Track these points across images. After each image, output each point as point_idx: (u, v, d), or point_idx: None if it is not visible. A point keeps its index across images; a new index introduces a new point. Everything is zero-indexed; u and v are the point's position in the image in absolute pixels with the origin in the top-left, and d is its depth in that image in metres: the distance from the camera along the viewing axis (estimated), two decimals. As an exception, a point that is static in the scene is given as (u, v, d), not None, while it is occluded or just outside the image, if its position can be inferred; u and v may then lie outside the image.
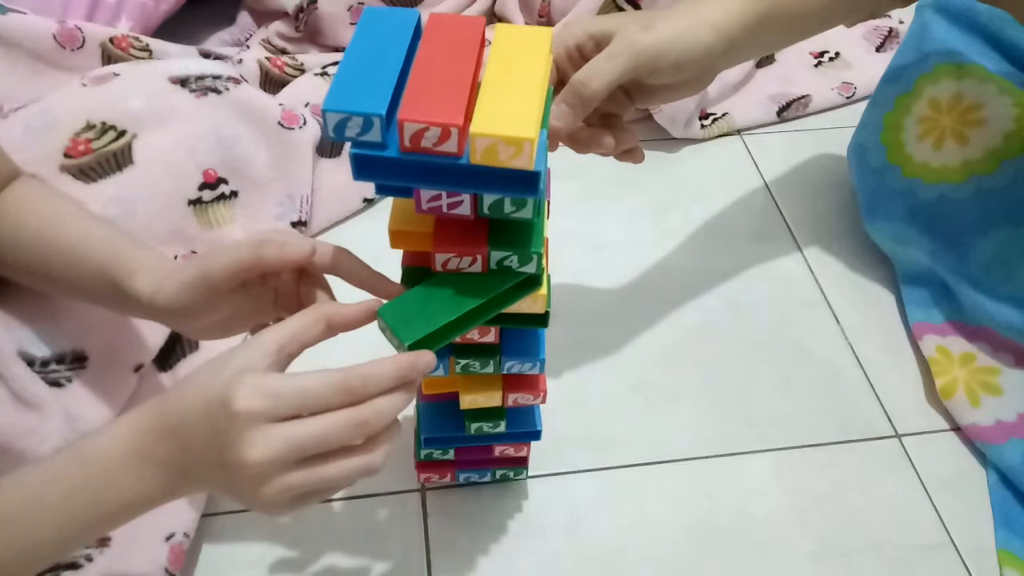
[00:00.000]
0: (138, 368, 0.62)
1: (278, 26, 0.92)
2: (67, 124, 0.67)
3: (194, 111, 0.70)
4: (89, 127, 0.67)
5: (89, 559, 0.53)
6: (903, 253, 0.74)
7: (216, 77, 0.73)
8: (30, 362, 0.58)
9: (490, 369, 0.48)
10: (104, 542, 0.54)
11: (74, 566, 0.53)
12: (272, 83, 0.86)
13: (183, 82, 0.72)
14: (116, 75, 0.72)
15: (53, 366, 0.59)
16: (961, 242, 0.70)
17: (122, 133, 0.67)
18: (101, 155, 0.66)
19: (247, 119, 0.73)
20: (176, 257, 0.68)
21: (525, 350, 0.48)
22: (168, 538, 0.54)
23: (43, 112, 0.67)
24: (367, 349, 0.67)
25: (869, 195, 0.75)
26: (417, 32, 0.41)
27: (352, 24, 0.92)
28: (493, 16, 0.99)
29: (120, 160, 0.67)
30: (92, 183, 0.66)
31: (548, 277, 0.46)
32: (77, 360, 0.60)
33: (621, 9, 0.85)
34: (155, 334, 0.63)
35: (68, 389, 0.59)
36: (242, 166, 0.72)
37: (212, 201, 0.70)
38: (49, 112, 0.67)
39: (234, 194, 0.72)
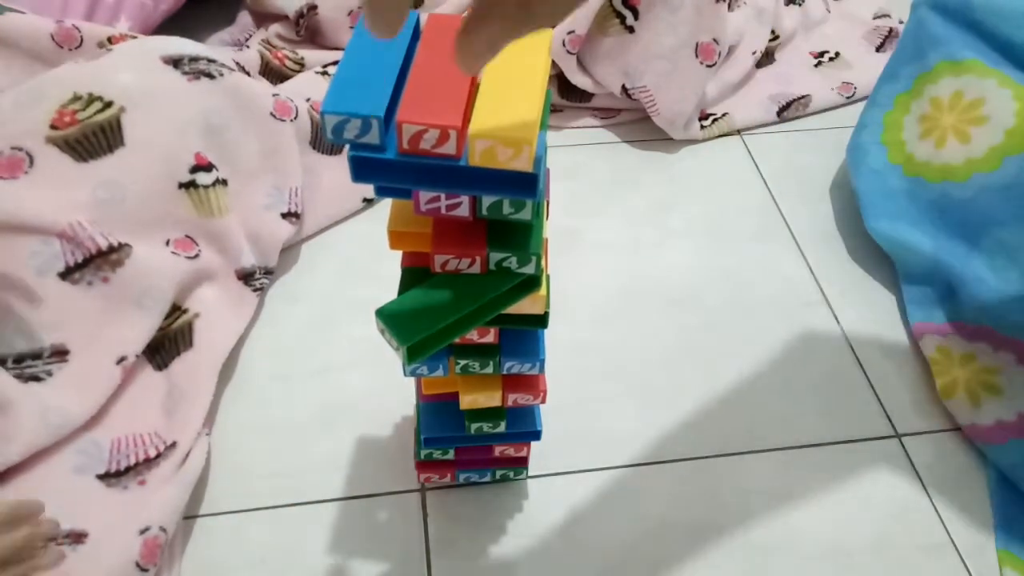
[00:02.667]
0: (121, 360, 0.62)
1: (278, 28, 0.92)
2: (55, 97, 0.66)
3: (185, 94, 0.70)
4: (76, 98, 0.66)
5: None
6: (904, 252, 0.74)
7: (211, 61, 0.72)
8: (1, 361, 0.59)
9: (490, 369, 0.48)
10: (80, 539, 0.54)
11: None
12: (272, 74, 0.86)
13: (176, 63, 0.71)
14: (109, 51, 0.72)
15: (29, 362, 0.59)
16: (964, 240, 0.70)
17: (108, 104, 0.67)
18: (87, 126, 0.66)
19: (239, 107, 0.72)
20: (168, 242, 0.68)
21: (525, 351, 0.48)
22: (143, 531, 0.53)
23: (32, 87, 0.67)
24: (368, 349, 0.68)
25: (870, 195, 0.75)
26: (416, 33, 0.41)
27: (351, 28, 0.92)
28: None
29: (110, 139, 0.66)
30: (83, 163, 0.65)
31: (548, 278, 0.46)
32: (58, 354, 0.60)
33: (620, 14, 0.85)
34: (138, 326, 0.63)
35: (48, 383, 0.59)
36: (231, 154, 0.72)
37: (212, 185, 0.70)
38: (38, 87, 0.67)
39: (224, 182, 0.71)
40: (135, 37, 0.81)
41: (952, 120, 0.69)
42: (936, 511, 0.62)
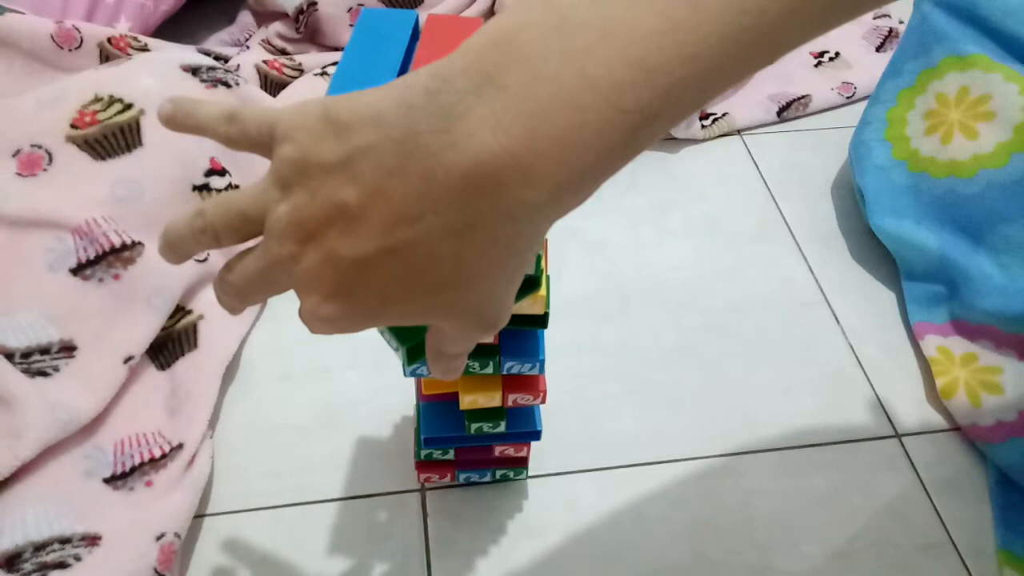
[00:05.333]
0: (128, 359, 0.62)
1: (278, 27, 0.92)
2: (76, 98, 0.68)
3: None
4: (97, 100, 0.68)
5: (78, 559, 0.53)
6: (908, 249, 0.73)
7: (227, 71, 0.73)
8: (9, 355, 0.59)
9: (490, 370, 0.48)
10: (94, 541, 0.54)
11: (63, 565, 0.52)
12: (272, 85, 0.86)
13: (194, 71, 0.72)
14: (129, 58, 0.74)
15: (37, 356, 0.60)
16: (969, 237, 0.70)
17: (128, 106, 0.68)
18: (107, 127, 0.67)
19: None
20: None
21: (525, 351, 0.48)
22: (159, 538, 0.54)
23: (54, 89, 0.69)
24: (368, 350, 0.68)
25: (874, 192, 0.75)
26: (415, 33, 0.41)
27: (351, 25, 0.92)
28: (492, 16, 0.99)
29: (129, 139, 0.67)
30: (101, 161, 0.66)
31: (548, 278, 0.46)
32: (66, 350, 0.61)
33: None
34: (145, 326, 0.63)
35: (55, 378, 0.59)
36: (243, 161, 0.73)
37: (225, 190, 0.70)
38: (60, 89, 0.68)
39: (236, 187, 0.72)
40: (135, 38, 0.81)
41: (959, 116, 0.69)
42: (936, 511, 0.62)
